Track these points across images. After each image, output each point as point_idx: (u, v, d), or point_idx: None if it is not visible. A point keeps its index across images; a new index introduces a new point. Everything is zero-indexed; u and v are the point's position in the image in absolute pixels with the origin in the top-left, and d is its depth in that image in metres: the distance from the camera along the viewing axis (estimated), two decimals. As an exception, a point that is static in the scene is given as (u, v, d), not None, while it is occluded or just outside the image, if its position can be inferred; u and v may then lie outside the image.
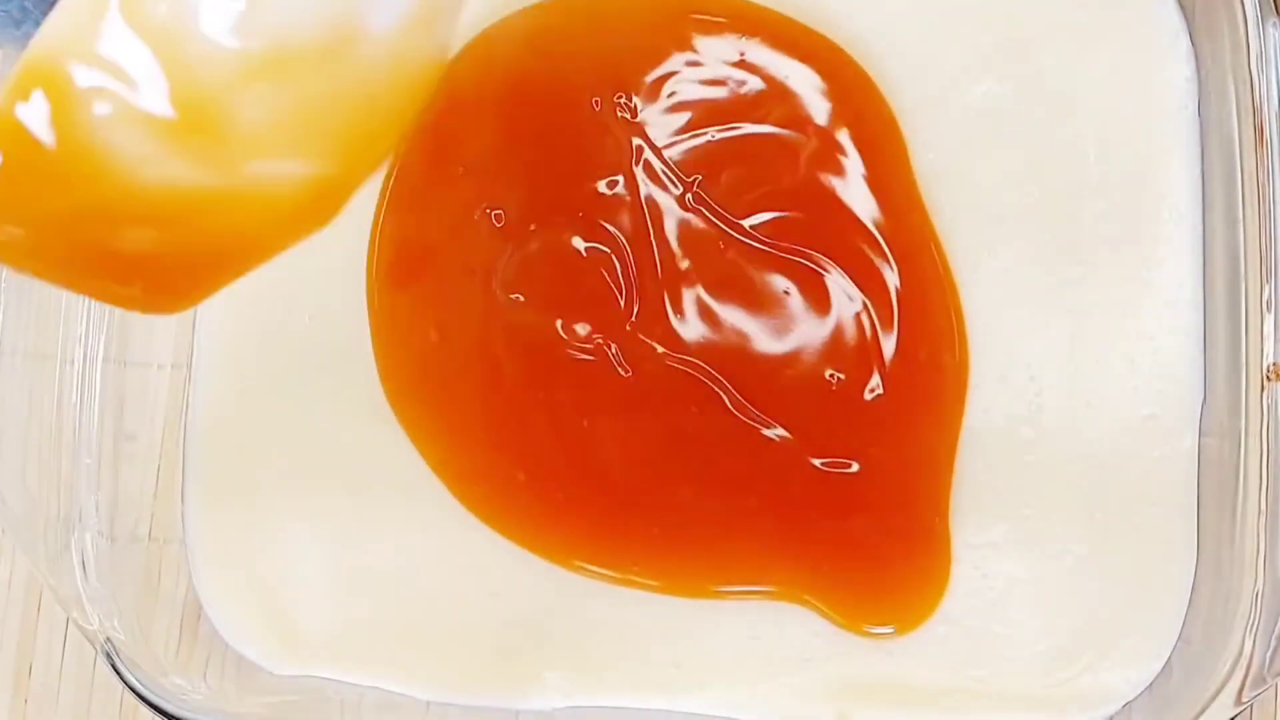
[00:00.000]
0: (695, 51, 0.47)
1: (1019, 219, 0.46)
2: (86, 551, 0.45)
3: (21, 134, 0.32)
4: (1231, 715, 0.41)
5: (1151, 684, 0.44)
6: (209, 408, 0.49)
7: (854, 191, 0.46)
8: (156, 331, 0.48)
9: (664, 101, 0.47)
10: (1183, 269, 0.45)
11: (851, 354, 0.46)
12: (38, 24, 0.49)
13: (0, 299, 0.45)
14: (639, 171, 0.46)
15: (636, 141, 0.47)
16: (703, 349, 0.46)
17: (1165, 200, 0.45)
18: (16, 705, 0.51)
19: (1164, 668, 0.44)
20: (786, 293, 0.46)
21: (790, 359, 0.46)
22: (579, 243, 0.46)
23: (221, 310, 0.49)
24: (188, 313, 0.48)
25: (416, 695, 0.47)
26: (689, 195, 0.46)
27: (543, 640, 0.47)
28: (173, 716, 0.44)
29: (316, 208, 0.34)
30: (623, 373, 0.46)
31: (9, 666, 0.51)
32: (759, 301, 0.46)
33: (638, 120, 0.46)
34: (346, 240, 0.48)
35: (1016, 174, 0.46)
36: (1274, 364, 0.41)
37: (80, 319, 0.45)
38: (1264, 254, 0.41)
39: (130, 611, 0.45)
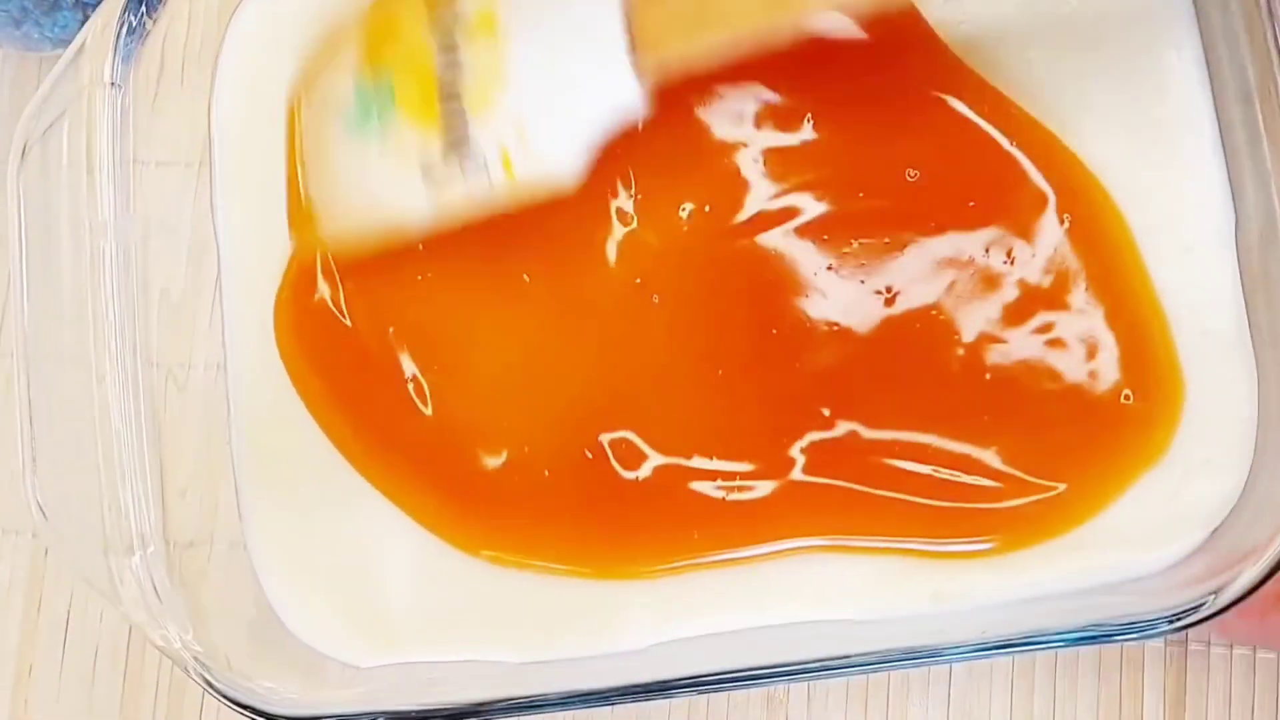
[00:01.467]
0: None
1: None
2: (152, 570, 0.44)
3: None
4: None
5: (1235, 505, 0.44)
6: (252, 405, 0.48)
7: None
8: (192, 339, 0.48)
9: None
10: (1196, 101, 0.46)
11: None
12: (38, 24, 0.50)
13: (25, 327, 0.45)
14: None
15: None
16: None
17: (1172, 38, 0.46)
18: (17, 705, 0.50)
19: (1243, 489, 0.44)
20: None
21: None
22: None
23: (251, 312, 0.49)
24: (217, 313, 0.49)
25: (508, 659, 0.46)
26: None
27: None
28: (275, 717, 0.43)
29: None
30: None
31: (9, 666, 0.51)
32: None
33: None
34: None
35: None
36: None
37: (110, 337, 0.44)
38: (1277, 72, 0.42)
39: (206, 624, 0.44)
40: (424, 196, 0.44)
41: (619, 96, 0.43)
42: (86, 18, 0.47)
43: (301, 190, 0.47)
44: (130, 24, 0.46)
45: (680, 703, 0.49)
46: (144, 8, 0.46)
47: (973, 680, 0.48)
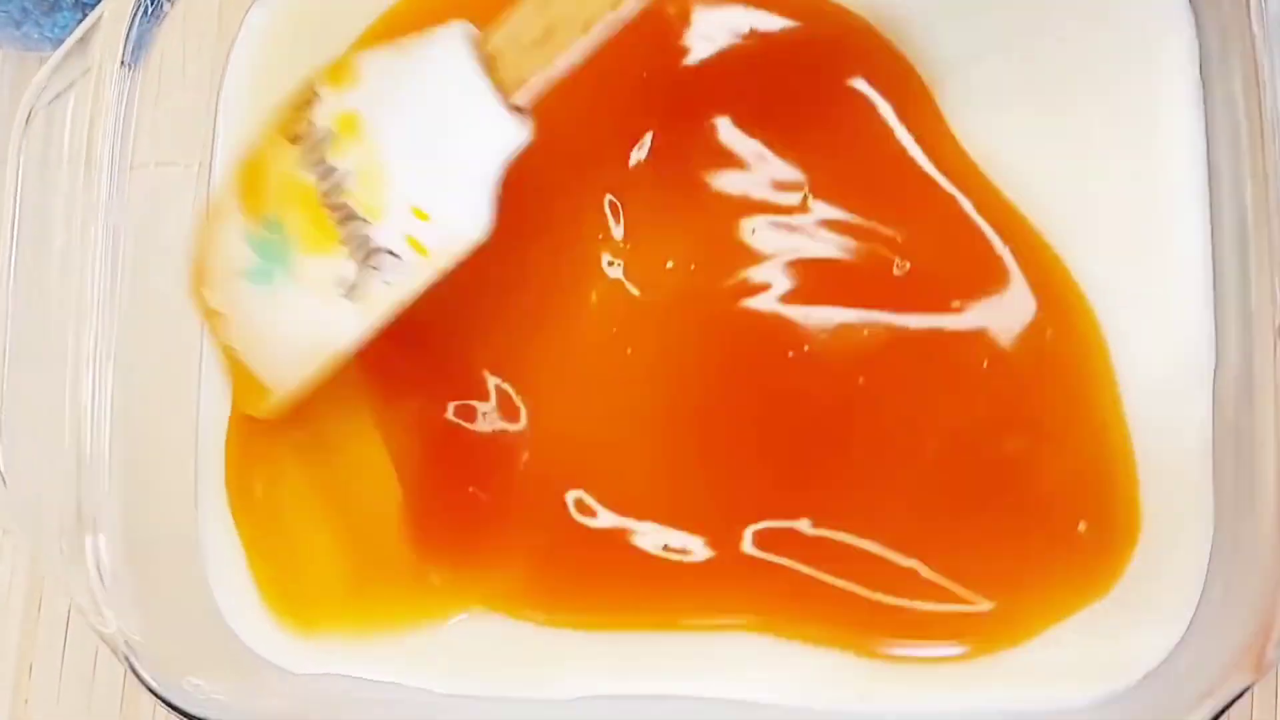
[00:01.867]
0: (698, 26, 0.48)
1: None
2: (101, 556, 0.44)
3: None
4: (1250, 683, 0.40)
5: (1170, 653, 0.44)
6: (221, 408, 0.49)
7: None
8: (168, 333, 0.48)
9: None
10: (1191, 237, 0.45)
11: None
12: (38, 24, 0.50)
13: (9, 299, 0.45)
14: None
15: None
16: None
17: (1171, 170, 0.45)
18: (17, 705, 0.51)
19: (1182, 637, 0.44)
20: None
21: None
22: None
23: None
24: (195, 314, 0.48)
25: (435, 689, 0.46)
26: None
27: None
28: (194, 717, 0.43)
29: None
30: None
31: (9, 666, 0.51)
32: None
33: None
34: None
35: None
36: (1283, 324, 0.41)
37: (91, 319, 0.45)
38: (1271, 215, 0.41)
39: (148, 614, 0.45)
40: (355, 314, 0.43)
41: (501, 138, 0.42)
42: (86, 18, 0.47)
43: (234, 361, 0.47)
44: (147, 7, 0.46)
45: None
46: (161, -4, 0.46)
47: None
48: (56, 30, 0.50)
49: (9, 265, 0.46)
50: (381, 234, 0.42)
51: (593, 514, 0.46)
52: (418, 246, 0.42)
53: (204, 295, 0.46)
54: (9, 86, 0.54)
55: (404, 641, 0.47)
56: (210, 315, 0.47)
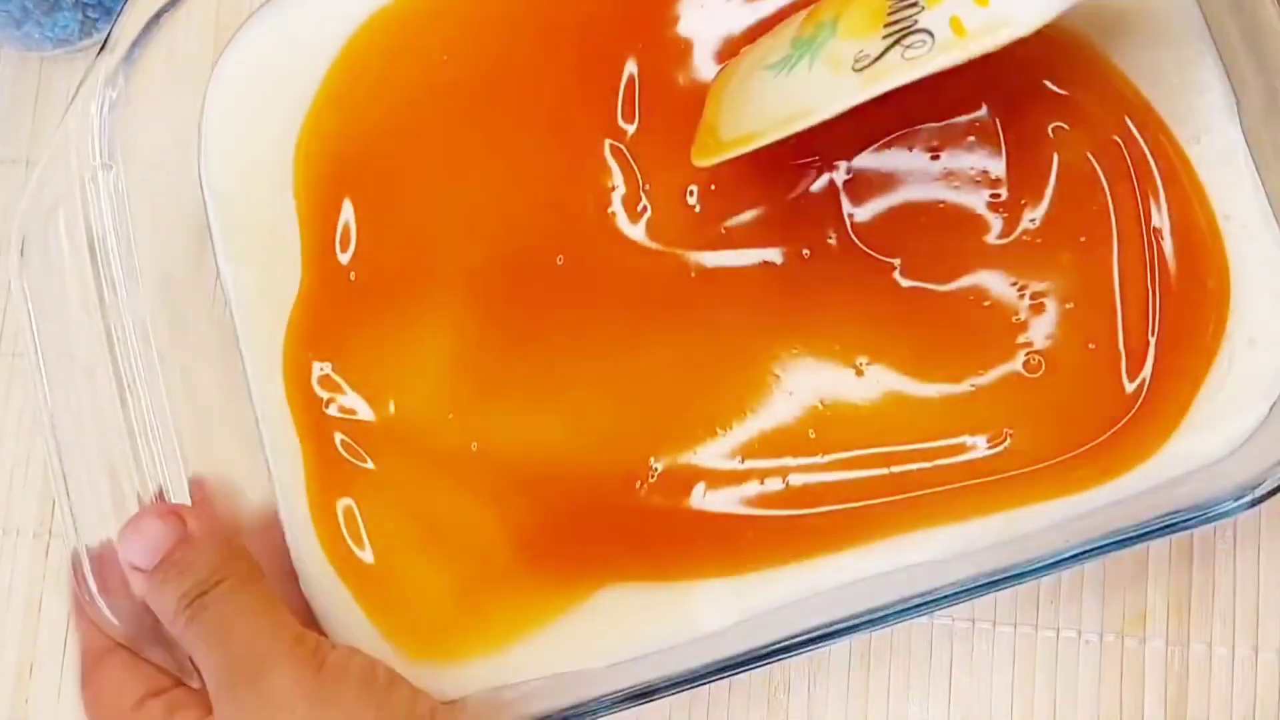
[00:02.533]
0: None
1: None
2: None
3: None
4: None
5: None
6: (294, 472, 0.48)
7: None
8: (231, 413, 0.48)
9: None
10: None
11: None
12: (38, 24, 0.50)
13: (29, 306, 0.45)
14: None
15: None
16: None
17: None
18: (17, 705, 0.51)
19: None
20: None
21: None
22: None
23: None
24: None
25: (593, 665, 0.46)
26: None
27: None
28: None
29: None
30: None
31: (9, 666, 0.51)
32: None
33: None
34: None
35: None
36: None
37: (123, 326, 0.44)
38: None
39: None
40: (855, 83, 0.42)
41: None
42: (86, 18, 0.47)
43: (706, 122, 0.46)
44: (110, 98, 0.45)
45: (681, 701, 0.48)
46: (120, 77, 0.45)
47: (973, 681, 0.48)
48: (56, 30, 0.51)
49: (42, 379, 0.45)
50: (929, 16, 0.41)
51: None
52: (958, 28, 0.40)
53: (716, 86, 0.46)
54: (9, 86, 0.54)
55: (541, 637, 0.46)
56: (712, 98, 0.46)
